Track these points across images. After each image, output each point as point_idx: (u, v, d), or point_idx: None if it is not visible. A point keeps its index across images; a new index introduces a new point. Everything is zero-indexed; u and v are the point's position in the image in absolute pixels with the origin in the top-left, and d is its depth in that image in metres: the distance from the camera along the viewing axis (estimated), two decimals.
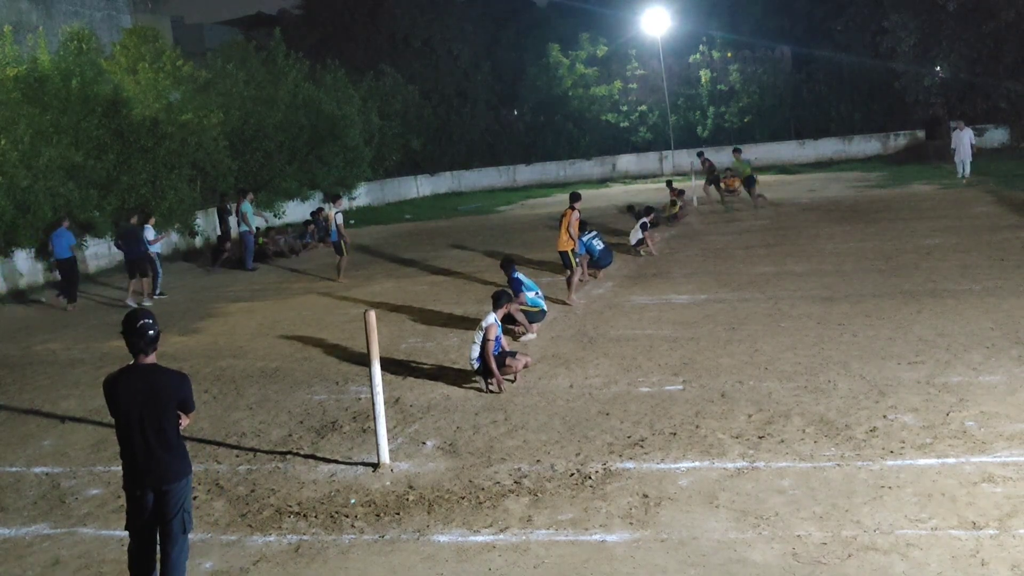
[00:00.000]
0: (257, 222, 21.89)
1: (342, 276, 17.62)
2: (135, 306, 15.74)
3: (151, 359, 5.14)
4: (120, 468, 5.73)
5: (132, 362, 5.14)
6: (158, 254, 18.06)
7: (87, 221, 19.90)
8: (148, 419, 5.02)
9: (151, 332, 5.09)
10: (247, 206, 21.03)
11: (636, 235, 17.43)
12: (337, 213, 17.89)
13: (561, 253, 13.58)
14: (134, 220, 17.88)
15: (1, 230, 18.15)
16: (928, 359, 8.89)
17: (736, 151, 24.51)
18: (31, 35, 22.22)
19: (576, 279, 13.53)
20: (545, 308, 11.68)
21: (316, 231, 24.20)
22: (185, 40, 37.27)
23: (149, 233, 17.93)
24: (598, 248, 14.88)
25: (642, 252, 17.29)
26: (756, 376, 8.86)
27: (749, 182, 23.26)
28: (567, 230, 13.43)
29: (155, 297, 17.41)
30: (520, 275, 11.77)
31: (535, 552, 5.61)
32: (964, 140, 25.25)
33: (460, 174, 41.34)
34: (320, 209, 26.03)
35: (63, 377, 11.40)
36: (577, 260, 13.58)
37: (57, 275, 17.93)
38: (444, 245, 21.79)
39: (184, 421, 5.25)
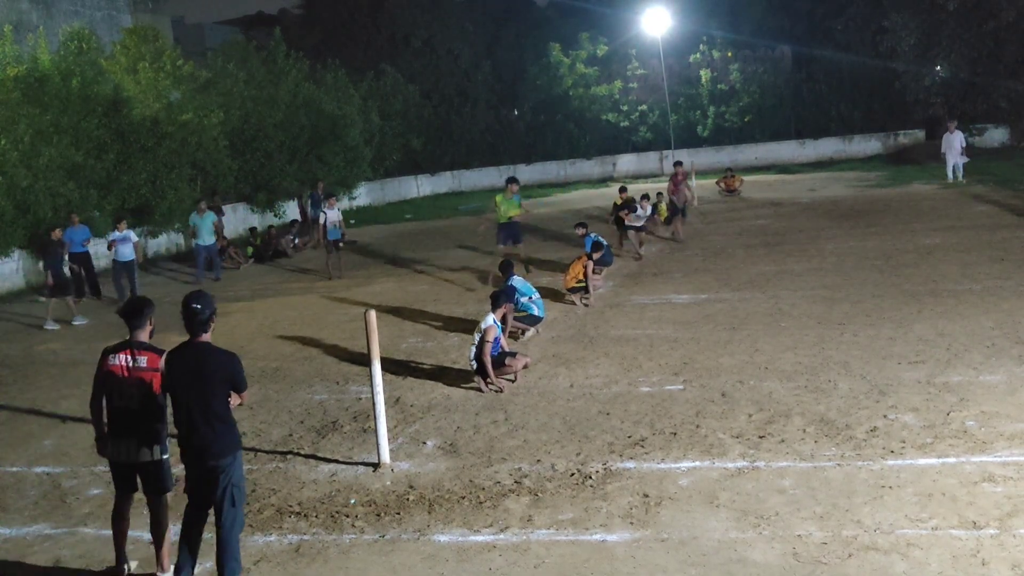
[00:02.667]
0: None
1: (342, 275, 17.81)
2: (55, 328, 14.74)
3: (206, 338, 5.31)
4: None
5: (187, 340, 5.34)
6: (127, 262, 16.56)
7: (87, 221, 19.88)
8: (196, 396, 5.18)
9: (200, 315, 5.25)
10: (195, 217, 19.18)
11: (640, 219, 17.11)
12: (324, 212, 18.45)
13: (569, 289, 13.30)
14: (55, 234, 15.82)
15: (1, 230, 18.15)
16: (928, 359, 8.89)
17: (511, 181, 15.90)
18: (31, 35, 22.24)
19: (593, 287, 13.37)
20: (538, 313, 11.39)
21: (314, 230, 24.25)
22: (185, 40, 37.34)
23: (84, 233, 17.12)
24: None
25: (641, 249, 17.10)
26: (756, 376, 8.86)
27: (509, 231, 15.61)
28: (575, 276, 13.22)
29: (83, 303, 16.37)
30: (516, 280, 11.58)
31: (535, 552, 5.61)
32: (954, 143, 24.80)
33: (460, 174, 41.34)
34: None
35: (64, 377, 11.40)
36: (587, 280, 13.20)
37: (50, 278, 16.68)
38: (445, 245, 21.79)
39: (235, 400, 5.36)
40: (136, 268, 16.94)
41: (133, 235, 16.83)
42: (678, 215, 19.42)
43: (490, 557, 5.60)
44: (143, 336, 5.62)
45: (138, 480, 5.62)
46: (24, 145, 18.75)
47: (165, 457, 5.58)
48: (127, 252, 16.55)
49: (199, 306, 5.26)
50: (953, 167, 24.91)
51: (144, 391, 5.46)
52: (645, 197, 18.47)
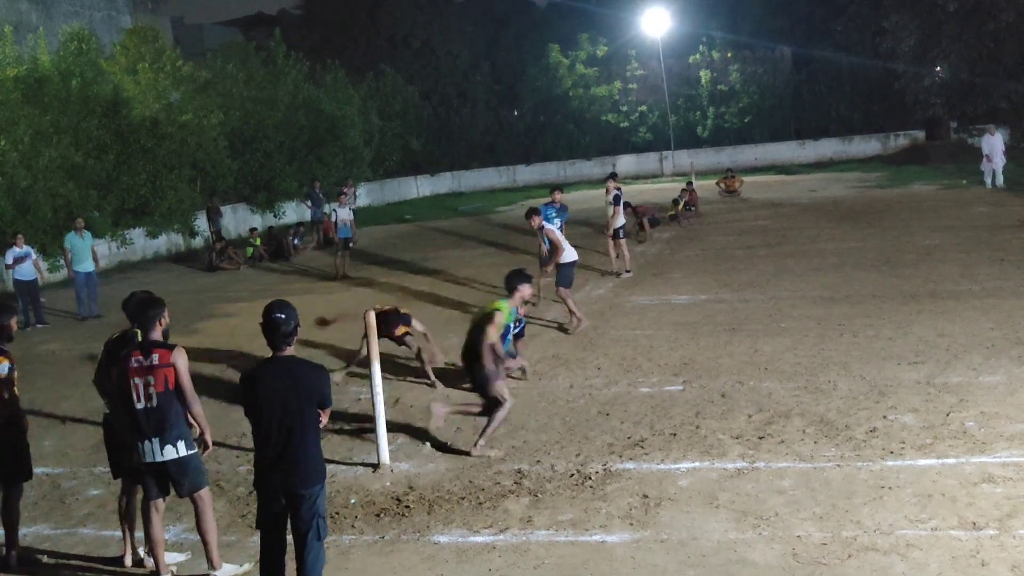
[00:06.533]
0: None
1: (347, 274, 17.94)
2: None
3: (290, 351, 4.90)
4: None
5: (271, 355, 4.92)
6: (30, 281, 15.14)
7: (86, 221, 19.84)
8: (289, 415, 4.77)
9: (284, 328, 4.84)
10: (72, 238, 15.61)
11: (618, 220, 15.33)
12: (335, 210, 18.79)
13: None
14: None
15: (0, 230, 18.14)
16: (928, 359, 8.89)
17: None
18: (31, 35, 22.26)
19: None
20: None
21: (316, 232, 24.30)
22: (185, 40, 37.32)
23: (8, 256, 15.33)
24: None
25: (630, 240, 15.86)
26: (756, 376, 8.86)
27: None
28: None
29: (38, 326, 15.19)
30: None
31: (535, 553, 5.61)
32: (996, 146, 23.52)
33: (460, 174, 41.34)
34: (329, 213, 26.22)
35: (63, 378, 11.39)
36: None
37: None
38: (444, 245, 21.78)
39: (323, 418, 5.03)
40: (39, 288, 15.51)
41: (33, 252, 15.52)
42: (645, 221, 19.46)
43: (490, 558, 5.60)
44: (154, 335, 5.60)
45: (169, 483, 5.59)
46: (24, 146, 18.76)
47: (192, 452, 5.54)
48: (29, 270, 15.08)
49: (283, 316, 4.83)
50: (994, 171, 23.49)
51: (161, 389, 5.44)
52: (613, 176, 16.65)
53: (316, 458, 4.85)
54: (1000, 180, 23.39)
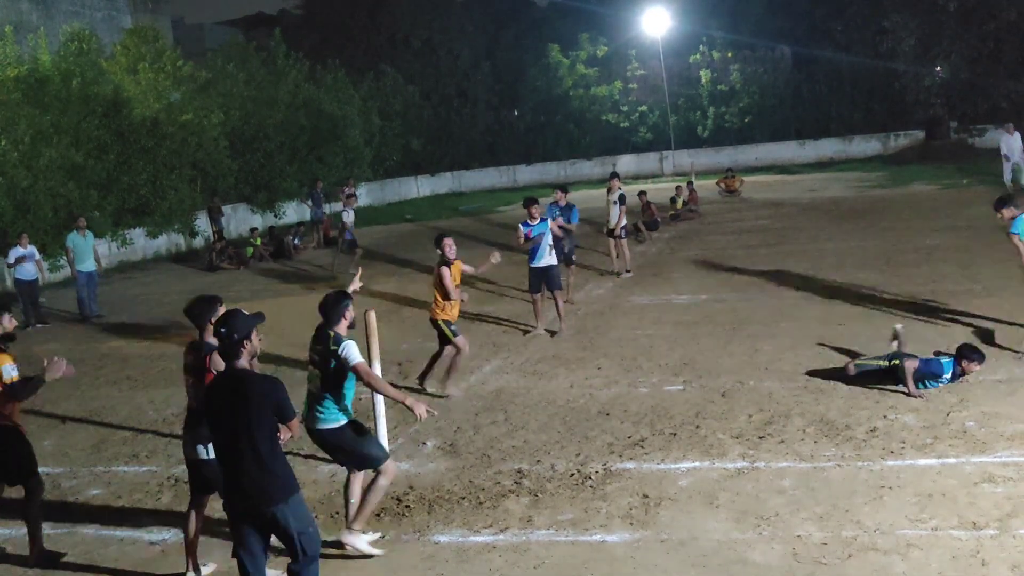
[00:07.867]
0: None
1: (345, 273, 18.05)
2: None
3: (241, 363, 4.67)
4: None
5: (225, 367, 4.77)
6: (32, 280, 15.26)
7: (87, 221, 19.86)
8: (240, 431, 4.53)
9: (227, 340, 4.64)
10: (74, 237, 15.62)
11: (614, 217, 14.93)
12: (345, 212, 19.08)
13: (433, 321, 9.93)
14: None
15: (1, 230, 18.15)
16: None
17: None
18: (31, 35, 22.27)
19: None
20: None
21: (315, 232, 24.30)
22: (185, 40, 37.30)
23: (10, 255, 15.28)
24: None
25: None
26: (756, 376, 8.86)
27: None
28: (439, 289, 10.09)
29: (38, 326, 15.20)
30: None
31: (535, 552, 5.61)
32: (1015, 145, 22.86)
33: (460, 174, 41.30)
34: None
35: (63, 377, 11.37)
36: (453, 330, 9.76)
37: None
38: None
39: (285, 433, 4.76)
40: (39, 288, 15.65)
41: (37, 253, 15.62)
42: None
43: (490, 557, 5.60)
44: (206, 336, 5.58)
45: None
46: (24, 146, 18.77)
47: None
48: (31, 271, 15.20)
49: (224, 330, 4.65)
50: (1013, 169, 22.79)
51: (197, 388, 5.51)
52: (615, 176, 16.31)
53: (277, 473, 4.58)
54: (1009, 177, 22.86)
